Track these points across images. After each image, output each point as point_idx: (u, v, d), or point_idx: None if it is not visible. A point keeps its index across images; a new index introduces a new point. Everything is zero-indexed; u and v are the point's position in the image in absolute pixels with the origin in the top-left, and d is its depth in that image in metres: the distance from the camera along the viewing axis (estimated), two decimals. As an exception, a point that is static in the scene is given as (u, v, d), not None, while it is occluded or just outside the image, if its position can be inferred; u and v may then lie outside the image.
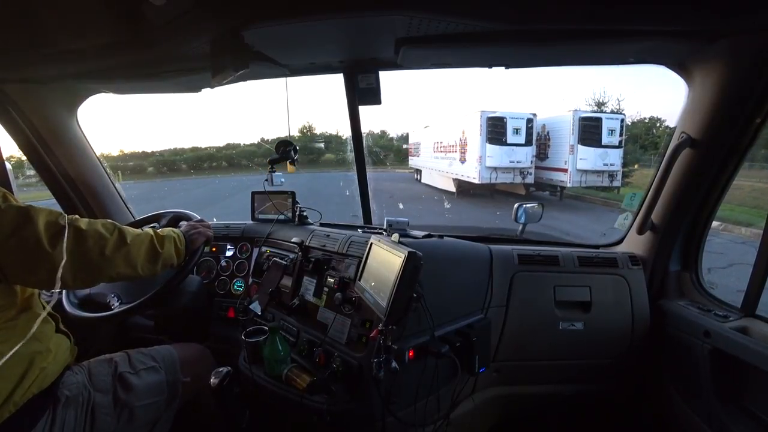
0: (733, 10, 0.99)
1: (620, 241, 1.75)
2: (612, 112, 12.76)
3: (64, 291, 1.47)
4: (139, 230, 1.17)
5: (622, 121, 10.35)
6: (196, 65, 1.37)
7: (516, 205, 1.84)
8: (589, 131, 9.95)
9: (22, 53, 1.28)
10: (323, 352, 1.26)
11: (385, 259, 1.16)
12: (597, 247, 1.78)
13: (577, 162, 9.93)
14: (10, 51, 1.27)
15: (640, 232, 1.56)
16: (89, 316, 1.39)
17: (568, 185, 10.22)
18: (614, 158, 10.06)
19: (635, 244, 1.65)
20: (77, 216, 1.05)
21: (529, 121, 10.47)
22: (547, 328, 1.54)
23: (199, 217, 1.64)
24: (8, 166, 1.66)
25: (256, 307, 1.53)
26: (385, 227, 1.41)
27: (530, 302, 1.54)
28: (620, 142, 9.99)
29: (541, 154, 11.05)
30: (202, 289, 1.74)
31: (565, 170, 10.15)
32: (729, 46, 1.12)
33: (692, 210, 1.45)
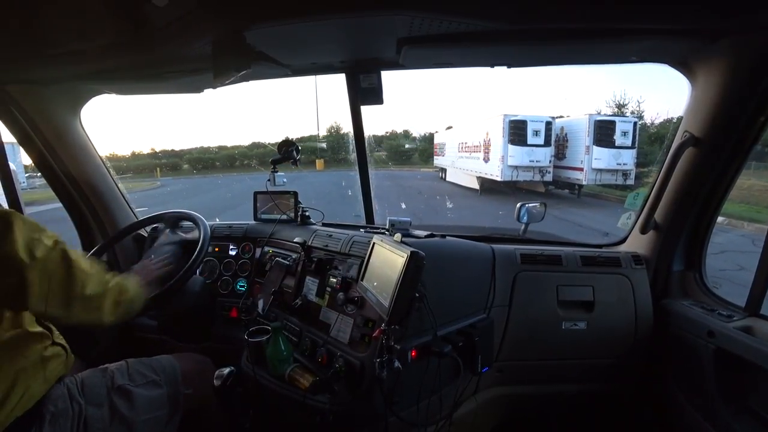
0: (736, 9, 0.99)
1: (623, 241, 1.74)
2: (632, 113, 13.86)
3: None
4: (108, 277, 1.11)
5: (635, 123, 11.10)
6: (198, 66, 1.37)
7: (518, 205, 1.84)
8: (604, 133, 10.75)
9: (26, 55, 1.28)
10: (326, 351, 1.26)
11: (388, 259, 1.16)
12: (600, 246, 1.77)
13: (592, 161, 10.74)
14: (14, 53, 1.27)
15: (643, 231, 1.55)
16: None
17: (584, 183, 11.06)
18: (627, 158, 10.82)
19: (638, 243, 1.64)
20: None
21: (548, 124, 11.28)
22: (550, 328, 1.53)
23: (202, 217, 1.65)
24: (13, 167, 1.67)
25: (258, 305, 1.53)
26: (387, 227, 1.41)
27: (533, 302, 1.54)
28: (633, 142, 10.69)
29: (560, 154, 11.83)
30: (205, 289, 1.74)
31: (581, 169, 10.95)
32: (731, 44, 1.12)
33: (695, 209, 1.44)
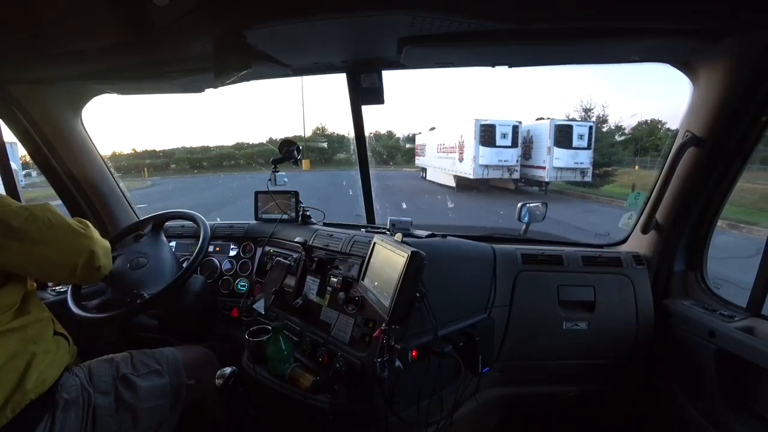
0: (738, 9, 0.99)
1: (624, 241, 1.74)
2: (597, 117, 15.99)
3: (68, 291, 1.47)
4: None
5: (591, 127, 12.61)
6: (199, 65, 1.37)
7: (519, 205, 1.83)
8: (563, 136, 12.25)
9: (27, 54, 1.29)
10: (326, 351, 1.26)
11: (389, 259, 1.16)
12: (601, 246, 1.77)
13: (553, 161, 12.19)
14: (15, 52, 1.27)
15: (645, 231, 1.55)
16: (93, 315, 1.39)
17: (546, 179, 12.55)
18: (583, 158, 12.35)
19: (639, 243, 1.64)
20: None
21: (515, 127, 12.72)
22: (551, 328, 1.53)
23: (202, 217, 1.65)
24: (14, 167, 1.67)
25: (259, 306, 1.53)
26: (388, 227, 1.41)
27: (534, 302, 1.53)
28: (589, 144, 12.31)
29: (526, 154, 13.25)
30: (206, 289, 1.74)
31: (544, 167, 12.40)
32: (734, 44, 1.12)
33: (697, 209, 1.43)
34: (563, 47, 1.24)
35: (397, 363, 1.06)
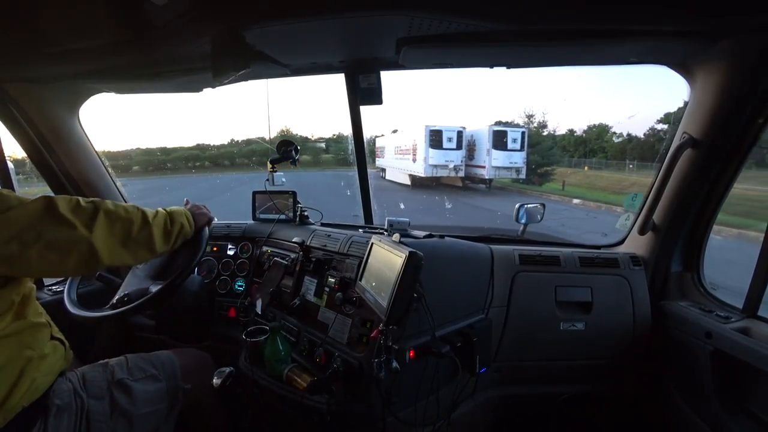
0: (735, 11, 0.99)
1: (622, 242, 1.75)
2: (539, 122, 20.27)
3: (65, 291, 1.47)
4: (154, 210, 1.19)
5: (523, 133, 15.29)
6: (197, 65, 1.37)
7: (517, 206, 1.84)
8: (499, 139, 14.81)
9: (25, 53, 1.28)
10: (324, 352, 1.26)
11: (386, 259, 1.16)
12: (598, 247, 1.78)
13: (492, 161, 14.76)
14: (13, 51, 1.27)
15: (642, 232, 1.55)
16: (90, 315, 1.38)
17: (486, 177, 15.20)
18: (517, 158, 15.05)
19: (637, 244, 1.64)
20: (100, 199, 1.08)
21: (459, 132, 15.06)
22: (548, 329, 1.54)
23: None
24: (10, 165, 1.66)
25: (257, 305, 1.53)
26: (386, 227, 1.41)
27: (531, 302, 1.54)
28: (522, 146, 14.98)
29: (470, 155, 15.64)
30: (204, 289, 1.74)
31: (484, 167, 15.03)
32: (731, 46, 1.12)
33: (694, 210, 1.44)
34: (561, 48, 1.24)
35: (395, 364, 1.06)
